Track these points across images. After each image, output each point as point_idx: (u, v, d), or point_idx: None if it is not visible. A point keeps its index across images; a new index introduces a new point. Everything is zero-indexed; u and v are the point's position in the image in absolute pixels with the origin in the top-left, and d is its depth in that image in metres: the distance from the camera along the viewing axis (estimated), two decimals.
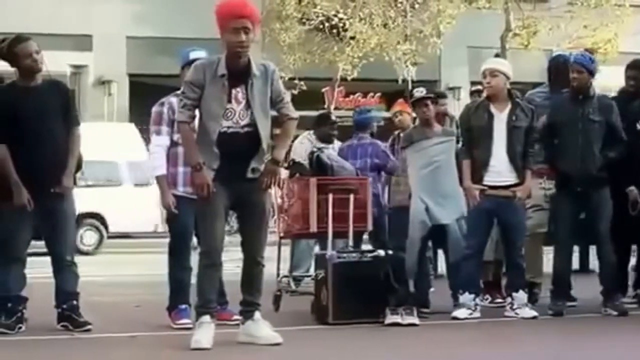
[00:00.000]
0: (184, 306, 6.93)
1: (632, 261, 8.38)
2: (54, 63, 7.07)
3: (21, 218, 6.69)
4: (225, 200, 6.09)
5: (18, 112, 6.69)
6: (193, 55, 7.09)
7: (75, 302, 6.82)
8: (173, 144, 6.96)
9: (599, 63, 8.31)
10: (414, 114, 8.86)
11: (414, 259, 7.50)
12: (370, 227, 7.79)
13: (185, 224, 6.84)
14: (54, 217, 6.79)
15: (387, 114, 14.86)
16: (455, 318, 7.28)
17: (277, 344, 5.97)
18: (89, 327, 6.74)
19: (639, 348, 6.14)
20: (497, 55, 8.91)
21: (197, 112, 6.17)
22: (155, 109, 7.14)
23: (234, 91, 6.06)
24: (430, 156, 7.67)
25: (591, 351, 6.04)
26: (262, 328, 6.10)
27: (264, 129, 6.11)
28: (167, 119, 6.98)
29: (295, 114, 6.29)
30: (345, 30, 22.11)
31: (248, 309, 6.17)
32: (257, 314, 6.15)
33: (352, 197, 7.50)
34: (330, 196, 7.47)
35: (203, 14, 24.67)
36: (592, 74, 7.54)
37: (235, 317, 6.62)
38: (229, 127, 6.05)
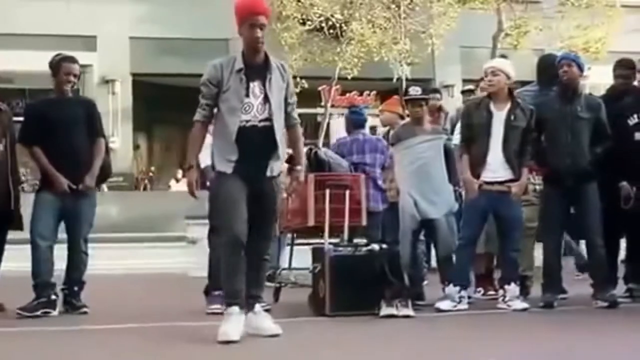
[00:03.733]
0: (217, 292, 7.28)
1: (622, 255, 8.45)
2: None
3: (49, 206, 7.37)
4: (245, 191, 6.02)
5: (49, 121, 7.40)
6: None
7: (76, 289, 7.48)
8: None
9: (590, 62, 8.46)
10: (399, 112, 9.02)
11: (407, 251, 7.60)
12: (364, 222, 7.95)
13: None
14: (75, 212, 7.46)
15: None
16: (438, 310, 7.39)
17: (276, 335, 5.98)
18: (85, 309, 7.40)
19: (628, 338, 6.20)
20: (502, 56, 9.04)
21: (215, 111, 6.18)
22: None
23: (251, 85, 6.04)
24: (417, 153, 7.77)
25: (582, 342, 6.08)
26: (262, 320, 6.09)
27: (279, 123, 6.10)
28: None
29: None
30: (344, 31, 22.27)
31: (250, 302, 6.13)
32: (257, 306, 6.12)
33: (347, 192, 7.67)
34: (327, 191, 7.66)
35: (204, 15, 24.96)
36: (580, 68, 7.66)
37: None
38: (247, 121, 6.01)
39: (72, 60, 7.62)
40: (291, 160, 6.48)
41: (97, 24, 23.66)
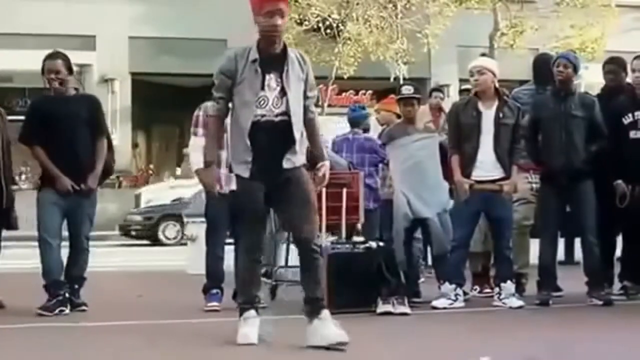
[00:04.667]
0: (215, 291, 7.57)
1: (618, 253, 8.42)
2: None
3: (53, 205, 7.29)
4: (263, 191, 5.74)
5: (50, 118, 7.33)
6: None
7: (76, 287, 7.43)
8: (217, 147, 7.47)
9: (586, 61, 8.52)
10: (396, 111, 9.04)
11: (401, 250, 7.65)
12: (362, 219, 8.00)
13: (220, 218, 7.52)
14: (76, 212, 7.40)
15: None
16: (434, 307, 7.44)
17: (343, 343, 5.58)
18: (83, 307, 7.40)
19: (623, 336, 6.25)
20: (483, 55, 9.09)
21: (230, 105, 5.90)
22: (195, 112, 7.77)
23: (267, 77, 5.68)
24: (411, 152, 7.82)
25: (577, 339, 6.10)
26: (327, 326, 5.70)
27: (298, 118, 5.75)
28: (203, 121, 7.62)
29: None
30: (340, 31, 22.36)
31: (313, 307, 5.80)
32: (323, 312, 5.77)
33: (344, 190, 7.71)
34: (324, 190, 7.69)
35: (203, 15, 24.99)
36: (576, 69, 7.70)
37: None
38: (262, 116, 5.68)
39: (54, 56, 7.45)
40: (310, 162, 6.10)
41: (97, 23, 23.76)
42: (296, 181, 5.76)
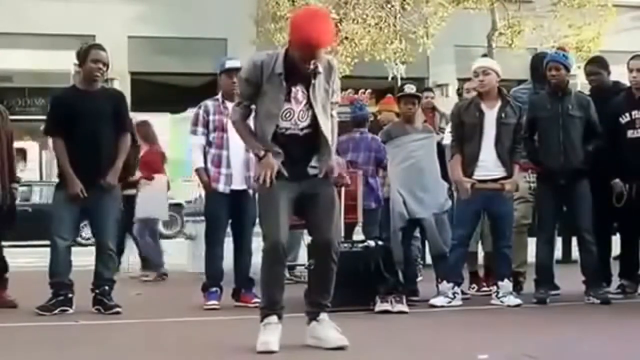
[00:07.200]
0: (214, 289, 7.59)
1: (616, 252, 8.50)
2: (61, 62, 7.47)
3: (70, 205, 7.17)
4: (289, 194, 5.51)
5: (74, 113, 7.17)
6: (229, 64, 7.61)
7: (107, 288, 7.31)
8: (216, 146, 7.59)
9: (583, 61, 8.55)
10: (396, 110, 9.05)
11: (399, 248, 7.67)
12: (360, 219, 8.01)
13: (219, 217, 7.59)
14: (98, 209, 7.27)
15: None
16: (432, 306, 7.47)
17: (342, 348, 5.50)
18: (117, 309, 7.23)
19: (620, 334, 6.27)
20: (484, 55, 9.12)
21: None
22: (194, 111, 7.76)
23: (293, 90, 5.44)
24: (409, 152, 7.85)
25: (574, 338, 6.12)
26: (326, 330, 5.62)
27: (325, 128, 5.52)
28: (202, 120, 7.64)
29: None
30: (339, 31, 22.39)
31: (313, 310, 5.71)
32: (322, 315, 5.68)
33: (343, 190, 7.72)
34: None
35: (202, 15, 24.97)
36: (567, 69, 7.74)
37: (255, 300, 7.03)
38: (286, 129, 5.47)
39: (101, 47, 7.43)
40: None
41: (96, 23, 23.75)
42: (320, 187, 5.60)
